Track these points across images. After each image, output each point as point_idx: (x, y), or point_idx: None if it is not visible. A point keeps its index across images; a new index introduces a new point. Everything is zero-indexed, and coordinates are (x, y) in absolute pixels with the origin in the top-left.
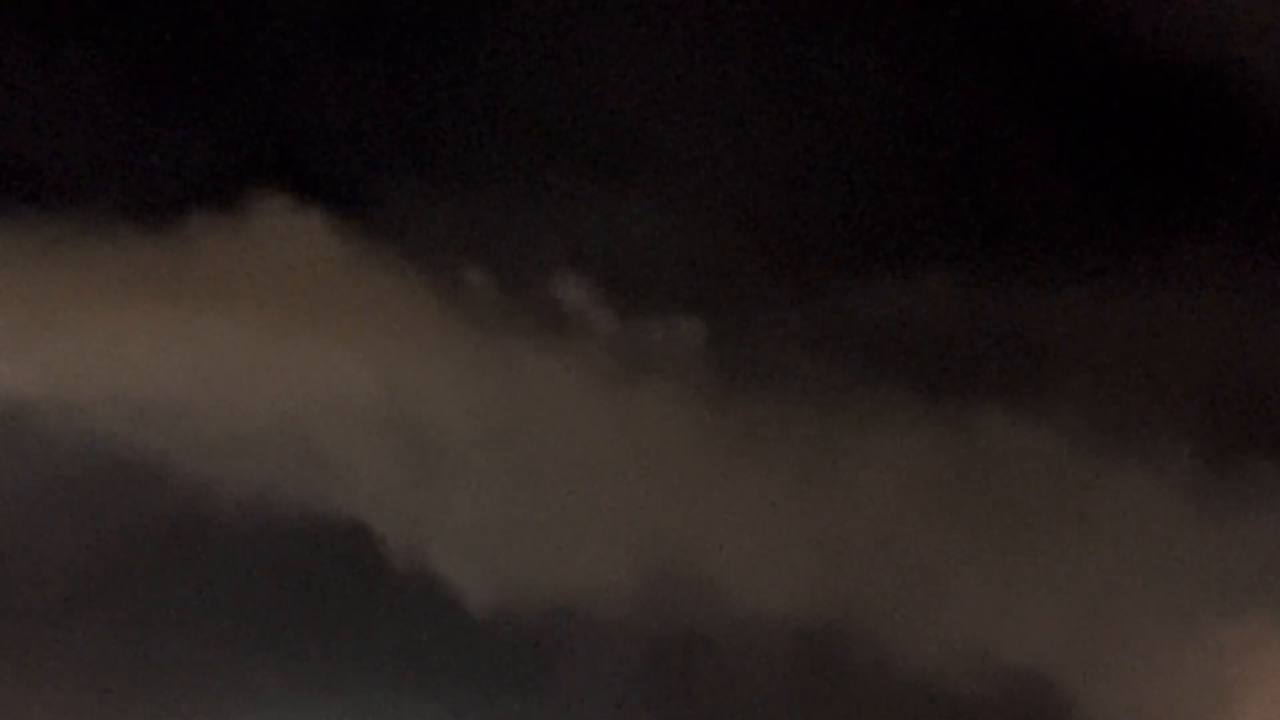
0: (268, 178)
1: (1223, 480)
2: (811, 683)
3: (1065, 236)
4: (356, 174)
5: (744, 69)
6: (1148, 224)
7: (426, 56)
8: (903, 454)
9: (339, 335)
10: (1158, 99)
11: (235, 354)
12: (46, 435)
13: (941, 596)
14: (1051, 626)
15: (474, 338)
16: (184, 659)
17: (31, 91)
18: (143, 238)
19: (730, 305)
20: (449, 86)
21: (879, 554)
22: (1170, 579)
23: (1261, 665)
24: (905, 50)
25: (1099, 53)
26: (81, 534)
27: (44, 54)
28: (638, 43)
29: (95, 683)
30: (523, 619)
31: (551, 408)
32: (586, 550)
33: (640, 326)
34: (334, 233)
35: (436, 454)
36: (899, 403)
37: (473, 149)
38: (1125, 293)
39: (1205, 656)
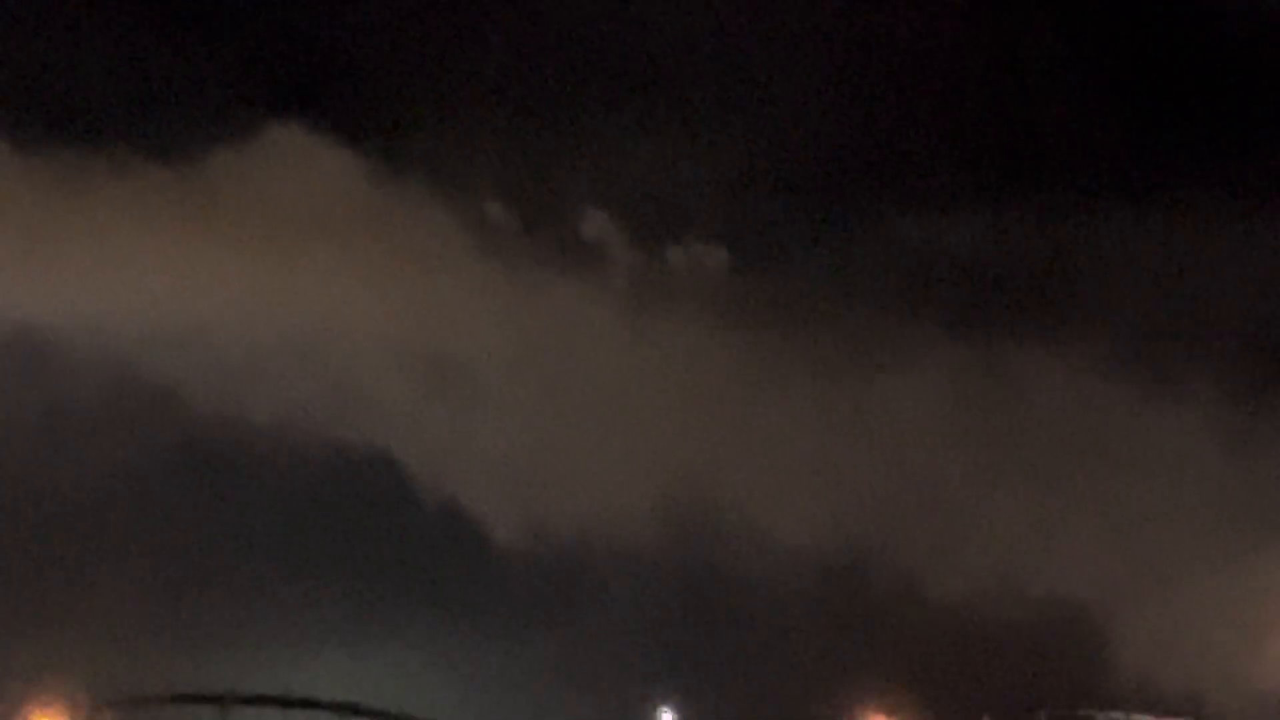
0: (288, 111)
1: (1253, 413)
2: (838, 613)
3: (1096, 172)
4: (379, 109)
5: (767, 3)
6: (1180, 161)
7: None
8: (931, 386)
9: (361, 266)
10: (1192, 30)
11: (256, 284)
12: (70, 362)
13: (970, 528)
14: (1080, 558)
15: (497, 270)
16: (206, 581)
17: (53, 30)
18: (164, 170)
19: (753, 236)
20: (472, 23)
21: (907, 485)
22: (1200, 511)
23: None
24: None
25: None
26: (105, 458)
27: None
28: None
29: (119, 601)
30: (547, 550)
31: (575, 339)
32: (611, 481)
33: (662, 257)
34: (356, 166)
35: (461, 385)
36: (927, 335)
37: (496, 84)
38: (1156, 229)
39: (1235, 589)
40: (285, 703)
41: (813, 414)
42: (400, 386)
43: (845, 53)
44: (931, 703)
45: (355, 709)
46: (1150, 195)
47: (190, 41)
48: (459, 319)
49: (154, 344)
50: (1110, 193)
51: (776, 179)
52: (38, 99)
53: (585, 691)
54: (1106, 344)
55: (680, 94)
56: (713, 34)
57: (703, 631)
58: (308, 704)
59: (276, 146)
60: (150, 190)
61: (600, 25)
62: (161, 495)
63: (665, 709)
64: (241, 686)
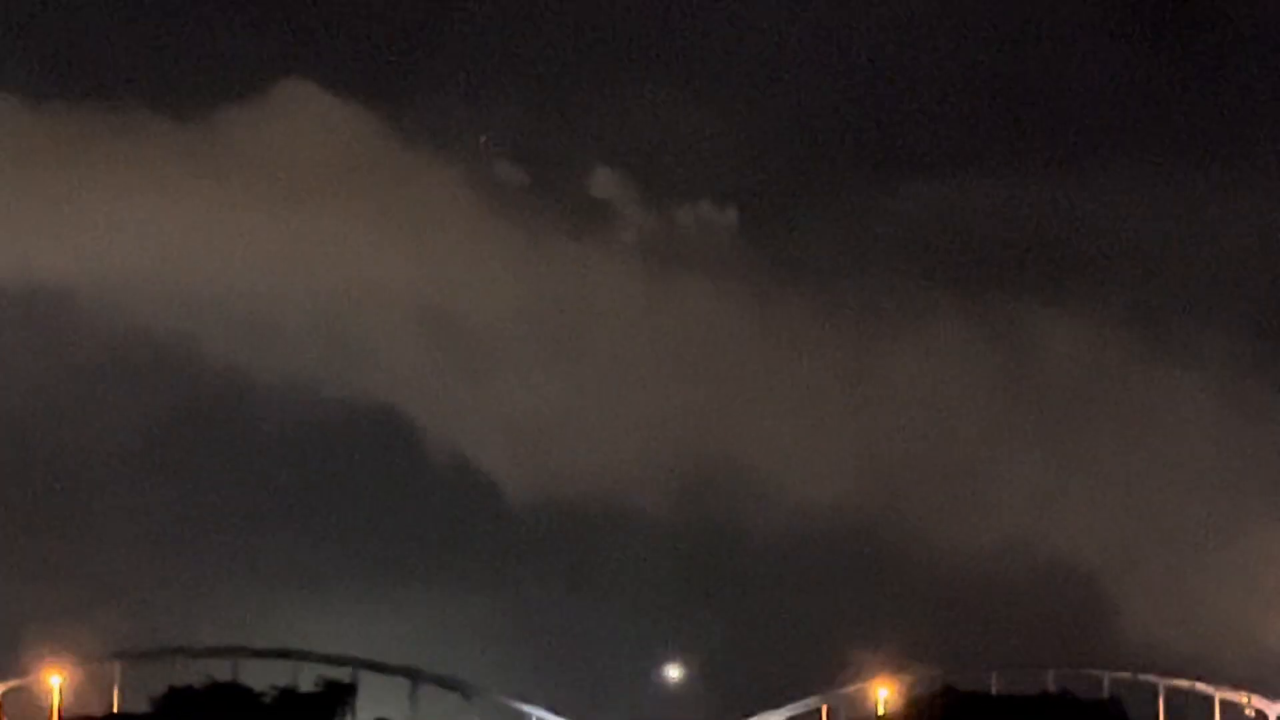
0: (298, 68)
1: (1262, 377)
2: (849, 572)
3: (1107, 138)
4: (389, 68)
5: None
6: (1191, 127)
7: None
8: (944, 349)
9: (373, 226)
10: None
11: (267, 240)
12: (84, 320)
13: (981, 489)
14: (1089, 520)
15: (507, 228)
16: (217, 535)
17: None
18: (175, 126)
19: (764, 197)
20: None
21: (919, 446)
22: (1208, 474)
23: None
24: None
25: None
26: (116, 413)
27: None
28: None
29: (130, 555)
30: (559, 507)
31: (586, 298)
32: (622, 439)
33: (673, 217)
34: (367, 124)
35: (471, 343)
36: (940, 298)
37: (507, 43)
38: (1167, 194)
39: (1242, 552)
40: (295, 656)
41: (824, 374)
42: (410, 343)
43: (859, 17)
44: (941, 661)
45: (367, 664)
46: (1161, 161)
47: (201, 2)
48: (470, 277)
49: (165, 300)
50: (1122, 158)
51: (788, 140)
52: (50, 57)
53: (596, 647)
54: (1117, 308)
55: (691, 53)
56: None
57: (714, 588)
58: (318, 658)
59: (287, 103)
60: (161, 146)
61: None
62: (173, 450)
63: (674, 664)
64: (252, 640)
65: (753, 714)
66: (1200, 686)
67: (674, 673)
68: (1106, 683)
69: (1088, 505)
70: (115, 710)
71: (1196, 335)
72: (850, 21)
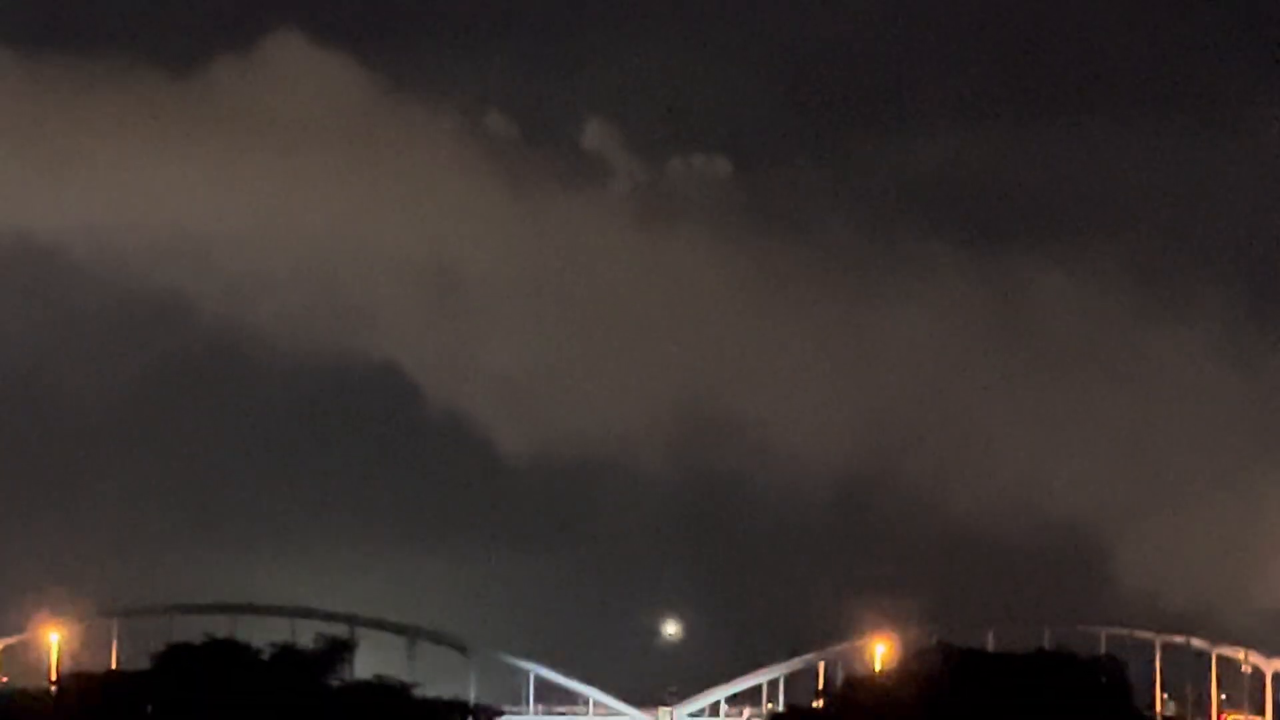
0: (288, 21)
1: (1260, 329)
2: (846, 528)
3: (1103, 90)
4: (381, 20)
5: None
6: (1192, 80)
7: None
8: (939, 303)
9: (365, 179)
10: None
11: (261, 193)
12: (78, 273)
13: (979, 445)
14: (1087, 476)
15: (499, 181)
16: (213, 491)
17: None
18: (168, 80)
19: (757, 148)
20: None
21: (916, 401)
22: (1206, 429)
23: None
24: None
25: None
26: (110, 367)
27: None
28: None
29: (125, 511)
30: (554, 462)
31: (580, 251)
32: (618, 394)
33: (665, 168)
34: (358, 78)
35: (466, 297)
36: (935, 252)
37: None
38: (1164, 146)
39: (1239, 507)
40: (293, 613)
41: (820, 328)
42: (405, 297)
43: None
44: (938, 617)
45: (365, 621)
46: (1161, 117)
47: None
48: (462, 229)
49: (159, 253)
50: (1121, 114)
51: (783, 91)
52: (40, 9)
53: (592, 602)
54: (1115, 263)
55: (684, 4)
56: None
57: (709, 544)
58: (316, 615)
59: (278, 55)
60: (153, 99)
61: None
62: (167, 405)
63: (671, 620)
64: (250, 597)
65: (750, 670)
66: (1196, 642)
67: (671, 629)
68: (1103, 639)
69: (1086, 461)
70: (113, 666)
71: (1194, 290)
72: None
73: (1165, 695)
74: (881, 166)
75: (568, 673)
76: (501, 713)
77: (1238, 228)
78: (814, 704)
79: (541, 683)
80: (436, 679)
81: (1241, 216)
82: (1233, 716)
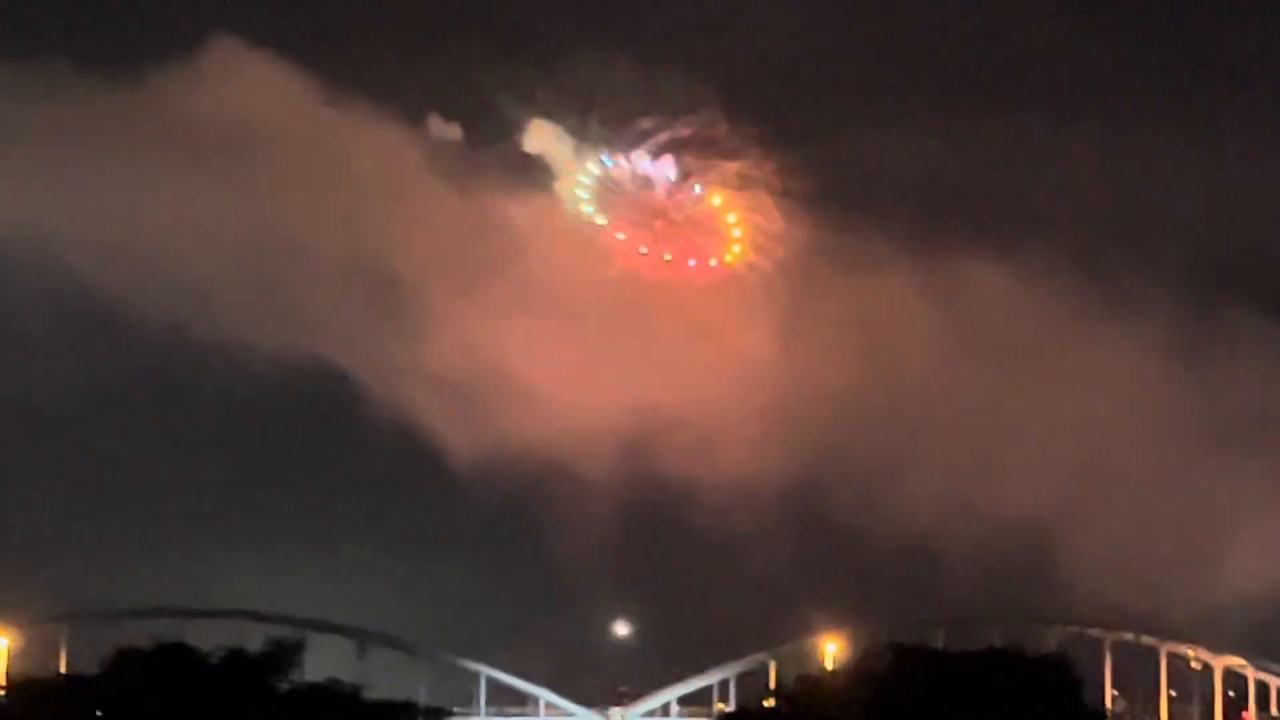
0: (227, 27)
1: (1205, 328)
2: (798, 530)
3: (1048, 89)
4: (319, 24)
5: None
6: (1137, 78)
7: None
8: (884, 305)
9: (307, 183)
10: None
11: (203, 199)
12: (20, 277)
13: (927, 446)
14: (1033, 475)
15: (442, 186)
16: (158, 497)
17: None
18: (105, 87)
19: (699, 149)
20: None
21: (862, 403)
22: (1151, 425)
23: (1244, 512)
24: None
25: None
26: (51, 374)
27: None
28: None
29: (69, 518)
30: (503, 467)
31: (525, 255)
32: (567, 400)
33: (611, 171)
34: (299, 83)
35: (412, 303)
36: (879, 251)
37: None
38: (1110, 146)
39: (1187, 502)
40: (242, 616)
41: (763, 328)
42: (350, 302)
43: None
44: (886, 620)
45: (314, 624)
46: (1105, 114)
47: None
48: (406, 234)
49: (100, 259)
50: (1062, 107)
51: (723, 92)
52: None
53: (542, 604)
54: (1060, 261)
55: (625, 5)
56: None
57: (660, 546)
58: (265, 618)
59: (217, 61)
60: (91, 105)
61: None
62: (111, 410)
63: (621, 621)
64: (199, 601)
65: (701, 670)
66: (1145, 639)
67: (622, 630)
68: (1053, 637)
69: (1033, 459)
70: (63, 672)
71: (1139, 287)
72: None
73: (1115, 692)
74: (825, 164)
75: (519, 674)
76: (452, 714)
77: (1183, 225)
78: (765, 703)
79: (493, 684)
80: (387, 681)
81: (1186, 213)
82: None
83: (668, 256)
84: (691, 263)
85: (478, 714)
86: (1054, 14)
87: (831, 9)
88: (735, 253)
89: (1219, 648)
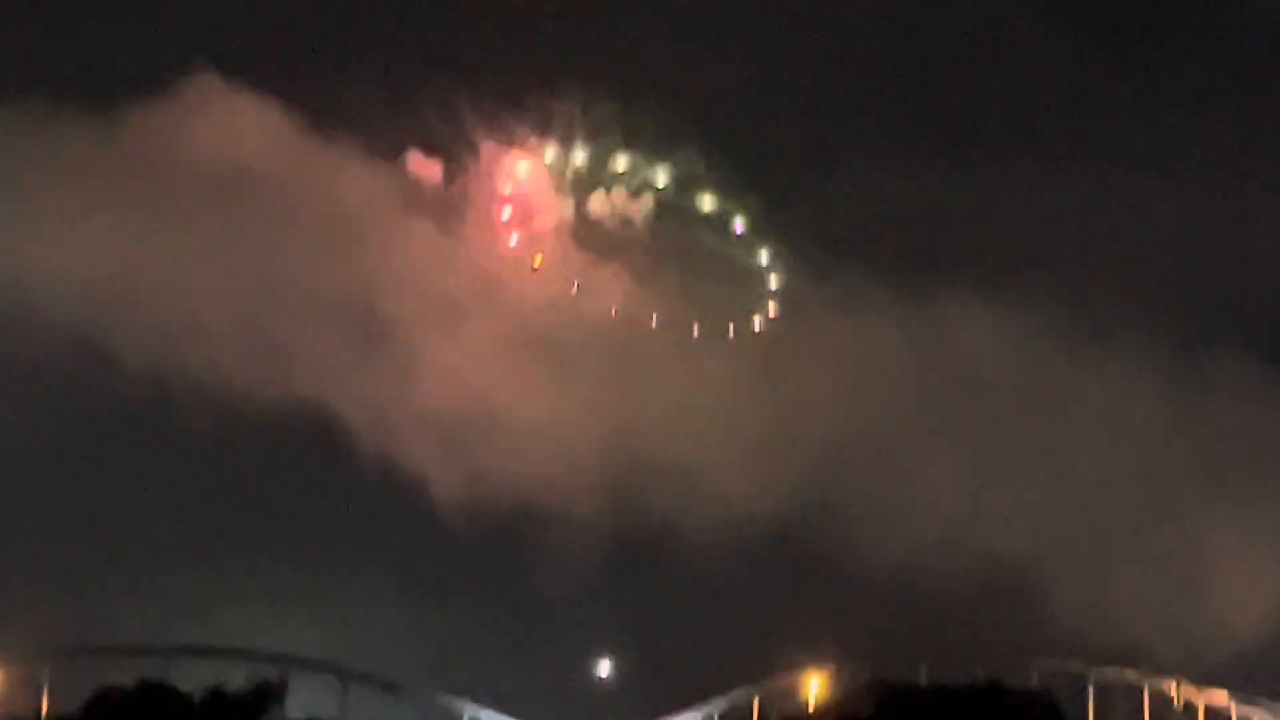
0: (206, 62)
1: (1193, 368)
2: (779, 569)
3: (1035, 128)
4: (298, 59)
5: None
6: (1118, 118)
7: None
8: (871, 344)
9: (289, 220)
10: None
11: (185, 238)
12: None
13: (911, 485)
14: (1023, 515)
15: (425, 224)
16: (144, 537)
17: None
18: (83, 123)
19: (680, 185)
20: None
21: (849, 445)
22: (1138, 464)
23: (1229, 549)
24: None
25: None
26: (34, 415)
27: None
28: None
29: (55, 557)
30: (487, 507)
31: (508, 294)
32: (550, 439)
33: (587, 208)
34: (278, 118)
35: (394, 342)
36: (866, 293)
37: (421, 37)
38: (1095, 185)
39: (1173, 541)
40: (225, 655)
41: (748, 367)
42: (335, 341)
43: (787, 10)
44: (872, 653)
45: (297, 662)
46: (1086, 152)
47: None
48: (391, 272)
49: (81, 300)
50: (1047, 149)
51: (703, 129)
52: None
53: (527, 642)
54: (1045, 299)
55: (605, 45)
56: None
57: (644, 584)
58: (248, 657)
59: (196, 97)
60: (68, 142)
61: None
62: (94, 452)
63: (605, 660)
64: (181, 640)
65: (686, 706)
66: (1129, 675)
67: (606, 668)
68: (1035, 673)
69: (1018, 498)
70: (45, 712)
71: (1126, 326)
72: (780, 16)
73: None
74: (808, 202)
75: (504, 712)
76: None
77: (1168, 263)
78: None
79: None
80: None
81: (1172, 251)
82: None
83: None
84: None
85: None
86: (1037, 52)
87: (810, 50)
88: None
89: (1203, 684)
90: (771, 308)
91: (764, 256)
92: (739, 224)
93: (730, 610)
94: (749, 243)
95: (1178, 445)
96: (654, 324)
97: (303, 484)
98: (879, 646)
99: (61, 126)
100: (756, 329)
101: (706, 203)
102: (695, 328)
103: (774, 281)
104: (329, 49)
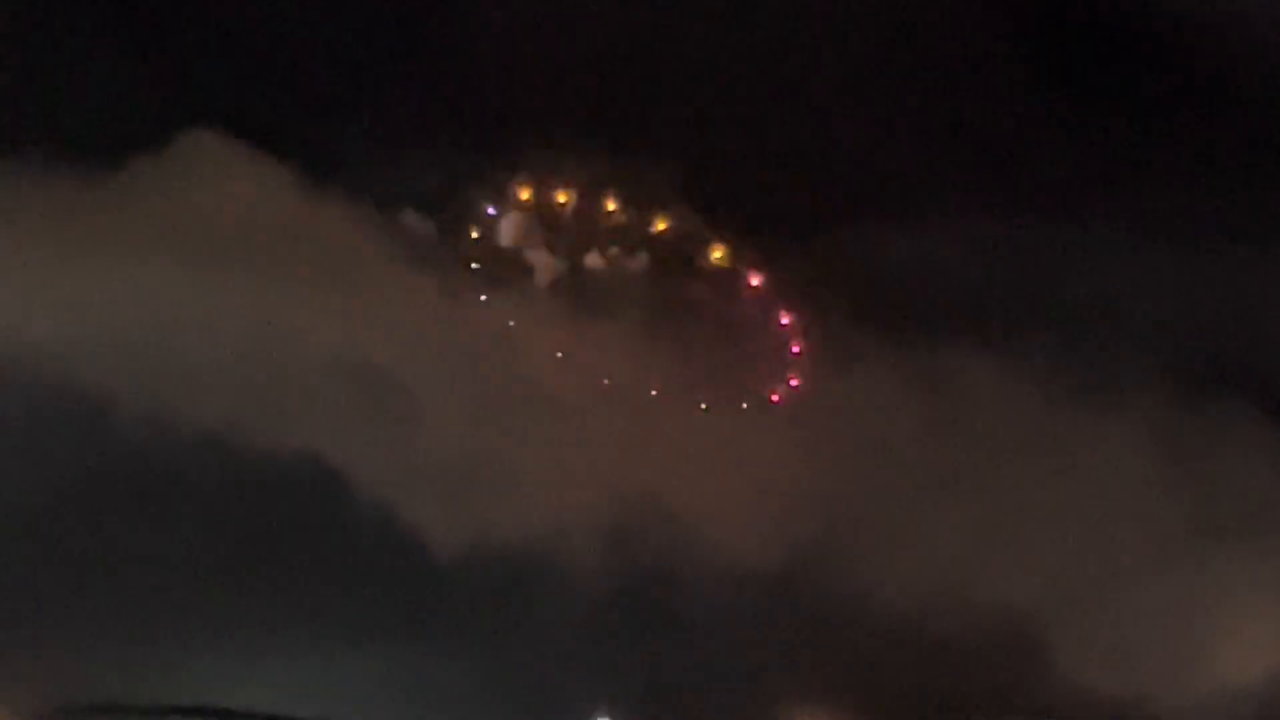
0: (204, 120)
1: (1191, 420)
2: (778, 624)
3: (1034, 181)
4: (295, 116)
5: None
6: (1116, 172)
7: (364, 6)
8: (873, 395)
9: (287, 275)
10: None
11: (182, 295)
12: None
13: (914, 537)
14: (1024, 567)
15: (422, 279)
16: (139, 595)
17: None
18: (79, 179)
19: (676, 238)
20: (386, 33)
21: (851, 494)
22: (1142, 517)
23: (1232, 603)
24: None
25: (1084, 8)
26: (29, 474)
27: None
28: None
29: (55, 619)
30: (488, 561)
31: (505, 347)
32: (551, 492)
33: (583, 261)
34: (277, 175)
35: (395, 396)
36: (865, 341)
37: (412, 96)
38: (1093, 239)
39: (1178, 595)
40: (221, 716)
41: (748, 417)
42: (333, 395)
43: (777, 50)
44: (872, 706)
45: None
46: (1085, 203)
47: (98, 45)
48: (389, 326)
49: (78, 356)
50: (1047, 201)
51: (701, 179)
52: None
53: (524, 703)
54: (1044, 349)
55: (595, 94)
56: (629, 32)
57: (643, 642)
58: (244, 716)
59: (194, 153)
60: (64, 198)
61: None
62: (90, 510)
63: (604, 712)
64: (178, 698)
65: None
66: None
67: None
68: None
69: (1019, 549)
70: None
71: (1124, 375)
72: (767, 56)
73: None
74: (807, 253)
75: None
76: None
77: (1168, 312)
78: None
79: None
80: None
81: (1171, 301)
82: None
83: None
84: None
85: None
86: (1039, 105)
87: (809, 103)
88: None
89: None
90: (793, 376)
91: (784, 317)
92: (754, 278)
93: (731, 662)
94: (766, 302)
95: (1181, 497)
96: (654, 394)
97: (302, 536)
98: (881, 697)
99: (59, 184)
100: (775, 399)
101: (713, 254)
102: (702, 403)
103: (795, 345)
104: (326, 106)
